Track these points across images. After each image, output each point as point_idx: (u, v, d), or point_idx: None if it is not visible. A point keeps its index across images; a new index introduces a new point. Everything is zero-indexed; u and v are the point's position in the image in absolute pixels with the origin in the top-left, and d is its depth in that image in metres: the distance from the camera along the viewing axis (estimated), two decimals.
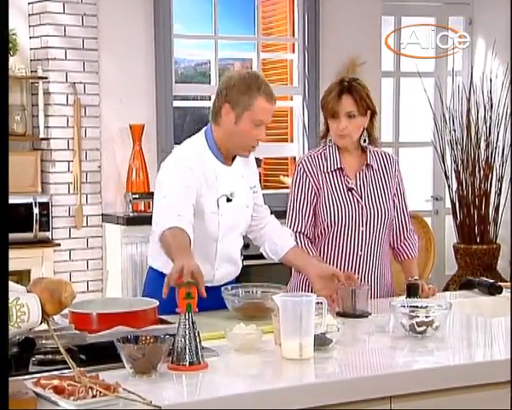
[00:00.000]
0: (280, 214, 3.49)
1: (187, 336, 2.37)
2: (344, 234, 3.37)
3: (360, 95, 3.32)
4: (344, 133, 3.33)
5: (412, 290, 3.16)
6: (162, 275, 2.79)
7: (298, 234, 3.38)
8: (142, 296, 3.14)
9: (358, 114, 3.32)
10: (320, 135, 3.52)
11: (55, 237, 5.61)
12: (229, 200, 3.09)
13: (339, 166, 3.39)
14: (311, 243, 3.40)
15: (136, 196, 5.77)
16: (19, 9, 5.64)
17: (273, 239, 3.28)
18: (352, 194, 3.38)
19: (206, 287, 2.55)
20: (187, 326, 2.38)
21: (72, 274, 5.70)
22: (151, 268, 3.21)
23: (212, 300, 2.80)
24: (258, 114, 3.01)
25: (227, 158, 3.14)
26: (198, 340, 2.38)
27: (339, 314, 3.10)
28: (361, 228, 3.37)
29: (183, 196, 2.94)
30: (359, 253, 3.38)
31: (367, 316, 3.03)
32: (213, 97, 3.22)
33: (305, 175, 3.39)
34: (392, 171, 3.45)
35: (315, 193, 3.39)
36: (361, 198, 3.38)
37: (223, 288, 3.09)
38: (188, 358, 2.35)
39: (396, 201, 3.46)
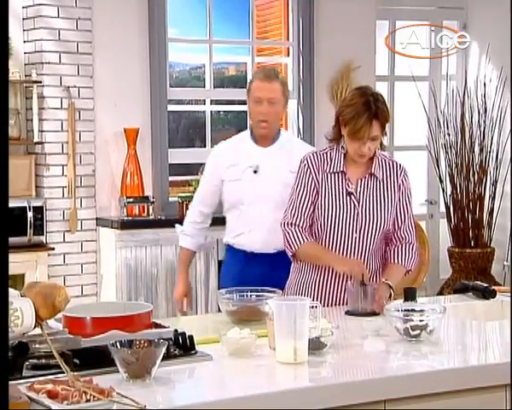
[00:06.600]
0: None
1: None
2: (337, 238, 3.35)
3: (386, 118, 3.28)
4: (366, 154, 3.33)
5: (409, 294, 3.15)
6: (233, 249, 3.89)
7: (294, 226, 3.36)
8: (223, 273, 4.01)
9: (381, 135, 3.32)
10: (329, 137, 3.44)
11: (49, 241, 5.61)
12: (255, 171, 3.80)
13: (341, 169, 3.37)
14: (308, 233, 3.36)
15: (131, 199, 5.76)
16: (13, 13, 5.63)
17: None
18: (351, 198, 3.36)
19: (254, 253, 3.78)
20: None
21: (67, 278, 5.69)
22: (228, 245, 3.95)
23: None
24: (254, 93, 3.80)
25: (261, 141, 3.86)
26: None
27: (348, 313, 3.11)
28: (354, 234, 3.34)
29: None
30: (352, 258, 3.35)
31: (378, 314, 3.02)
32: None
33: (308, 171, 3.39)
34: (396, 181, 3.40)
35: (316, 190, 3.37)
36: (358, 204, 3.35)
37: (218, 291, 3.11)
38: None
39: (398, 209, 3.40)
